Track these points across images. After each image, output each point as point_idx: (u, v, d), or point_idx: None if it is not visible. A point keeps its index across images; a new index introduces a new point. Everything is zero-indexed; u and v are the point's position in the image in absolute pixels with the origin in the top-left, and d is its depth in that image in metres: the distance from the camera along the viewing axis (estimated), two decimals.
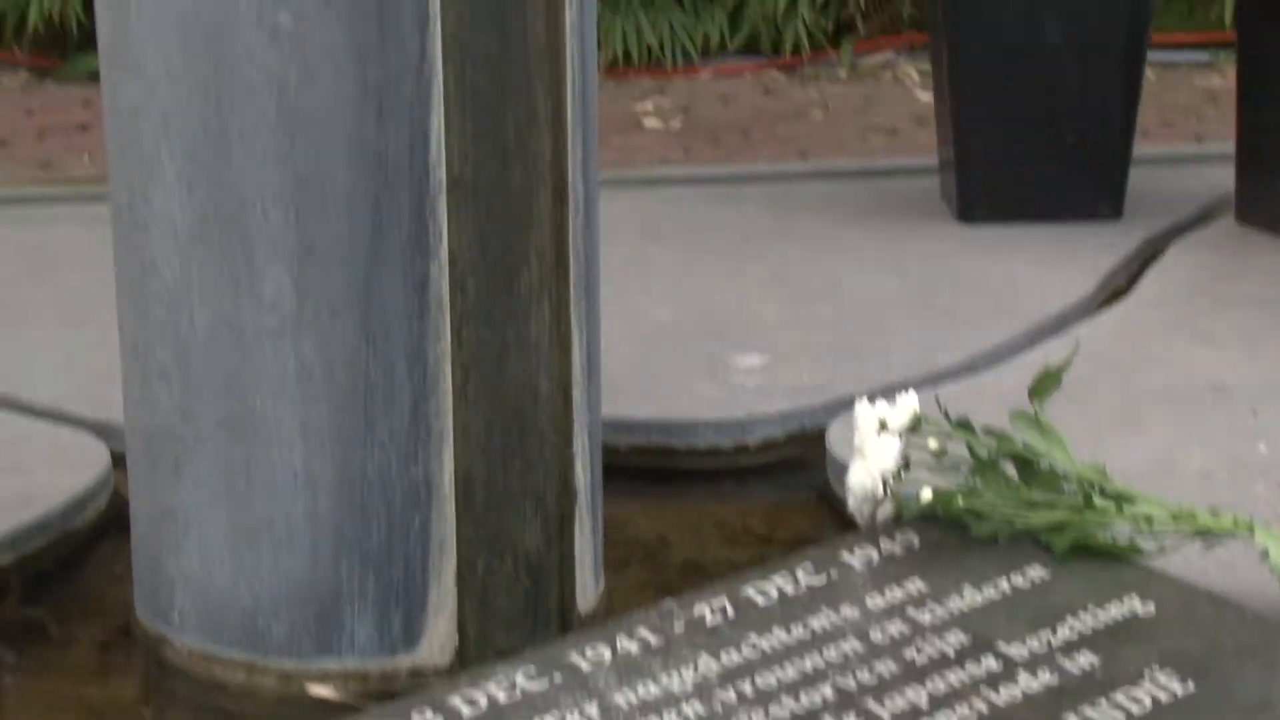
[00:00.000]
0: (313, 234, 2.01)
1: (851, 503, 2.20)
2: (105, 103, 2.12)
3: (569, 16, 2.08)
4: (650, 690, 1.85)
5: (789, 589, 2.03)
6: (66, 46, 5.37)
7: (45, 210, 3.97)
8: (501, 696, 1.85)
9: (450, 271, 2.04)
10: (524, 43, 2.04)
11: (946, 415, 2.20)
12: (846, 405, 2.59)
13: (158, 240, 2.07)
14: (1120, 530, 2.11)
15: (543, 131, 2.07)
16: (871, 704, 1.82)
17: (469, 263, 2.06)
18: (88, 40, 5.04)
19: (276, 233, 2.01)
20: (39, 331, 3.17)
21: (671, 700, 1.83)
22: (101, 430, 2.67)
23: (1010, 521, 2.11)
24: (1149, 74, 4.10)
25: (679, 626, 1.95)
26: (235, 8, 1.97)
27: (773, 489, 2.75)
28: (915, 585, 2.02)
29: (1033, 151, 3.76)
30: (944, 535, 2.12)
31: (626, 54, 5.49)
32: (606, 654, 1.91)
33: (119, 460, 2.45)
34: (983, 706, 1.82)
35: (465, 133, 2.03)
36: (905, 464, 2.18)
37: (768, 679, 1.86)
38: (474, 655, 2.11)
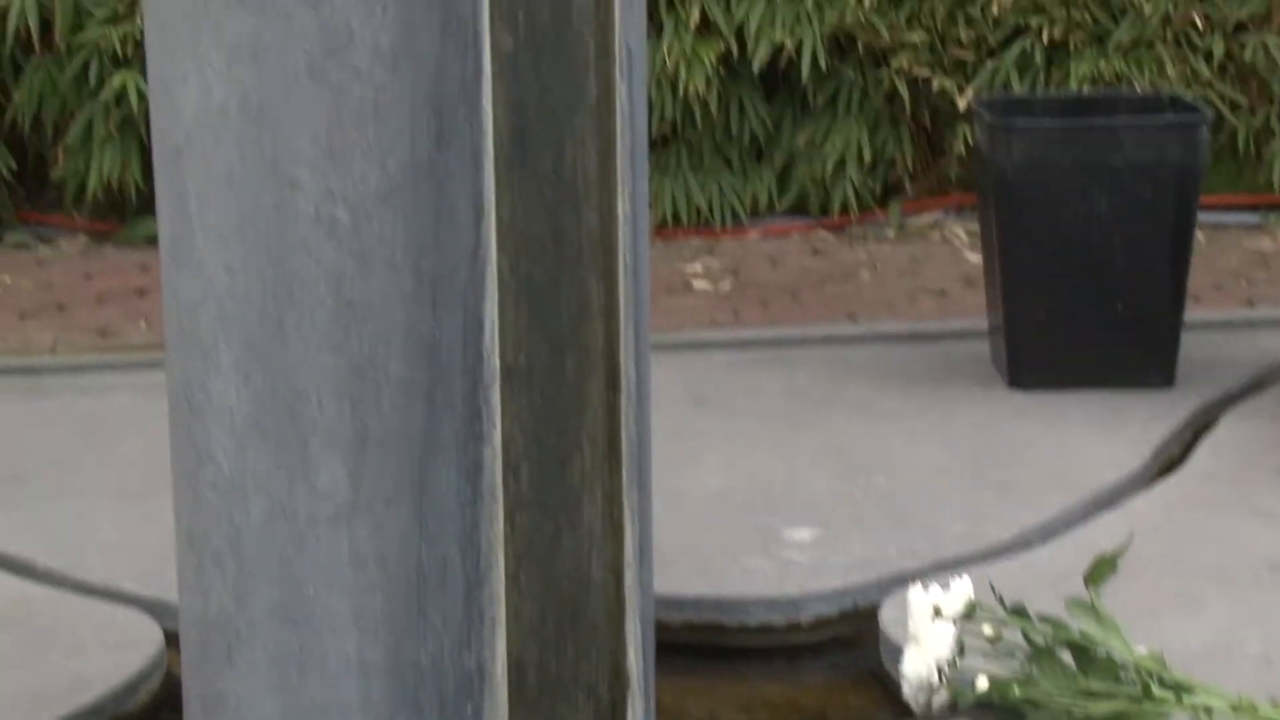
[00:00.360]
0: (367, 423, 2.03)
1: (907, 690, 2.19)
2: (165, 294, 2.15)
3: (621, 207, 2.10)
4: None
5: None
6: (125, 212, 5.46)
7: (102, 379, 4.01)
8: None
9: (503, 458, 2.05)
10: (577, 233, 2.06)
11: (1001, 601, 2.19)
12: (899, 582, 2.58)
13: (214, 428, 2.09)
14: None
15: (595, 320, 2.09)
16: None
17: (522, 450, 2.07)
18: (146, 205, 5.12)
19: (332, 422, 2.03)
20: (94, 505, 3.19)
21: None
22: (155, 609, 2.68)
23: (1068, 711, 2.09)
24: (1198, 236, 4.10)
25: None
26: (293, 204, 2.00)
27: (826, 667, 2.73)
28: None
29: (1082, 320, 3.76)
30: None
31: (675, 215, 5.53)
32: None
33: (171, 638, 2.46)
34: None
35: (519, 322, 2.05)
36: (960, 650, 2.17)
37: None
38: None
